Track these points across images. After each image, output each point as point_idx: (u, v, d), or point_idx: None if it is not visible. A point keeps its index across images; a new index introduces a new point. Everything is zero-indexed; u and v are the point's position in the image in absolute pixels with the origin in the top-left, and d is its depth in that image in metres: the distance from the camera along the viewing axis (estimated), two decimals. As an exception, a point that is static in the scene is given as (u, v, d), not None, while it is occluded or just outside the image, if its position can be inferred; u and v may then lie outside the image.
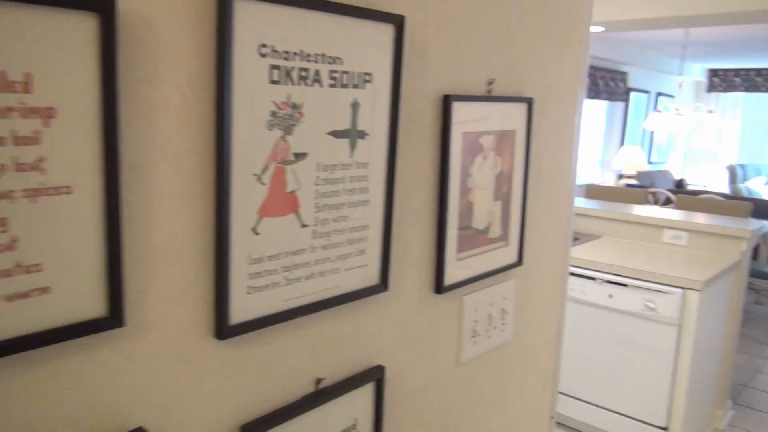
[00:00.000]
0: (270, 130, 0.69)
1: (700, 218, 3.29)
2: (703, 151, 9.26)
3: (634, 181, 7.51)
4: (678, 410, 2.71)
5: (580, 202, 3.74)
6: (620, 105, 7.79)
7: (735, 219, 3.35)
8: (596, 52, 6.59)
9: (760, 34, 5.86)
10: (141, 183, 0.60)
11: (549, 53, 1.16)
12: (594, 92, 6.83)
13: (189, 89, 0.62)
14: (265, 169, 0.69)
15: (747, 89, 9.33)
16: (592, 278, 2.88)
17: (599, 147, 7.80)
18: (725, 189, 9.52)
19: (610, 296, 2.82)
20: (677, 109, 5.18)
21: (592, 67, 6.74)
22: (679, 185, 8.69)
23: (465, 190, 0.99)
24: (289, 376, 0.78)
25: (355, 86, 0.77)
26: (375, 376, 0.88)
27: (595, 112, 7.55)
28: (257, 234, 0.69)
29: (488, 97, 1.02)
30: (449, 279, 0.99)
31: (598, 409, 2.93)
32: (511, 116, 1.07)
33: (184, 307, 0.65)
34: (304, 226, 0.75)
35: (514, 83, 1.08)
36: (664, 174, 8.64)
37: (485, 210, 1.05)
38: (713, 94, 9.79)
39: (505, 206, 1.09)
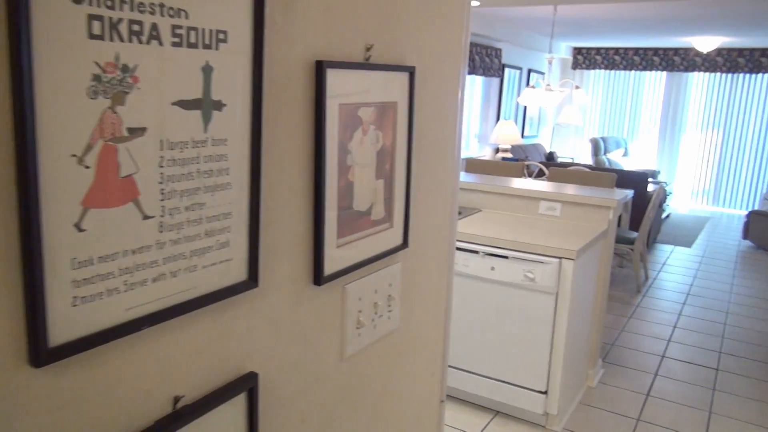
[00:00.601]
0: (93, 98, 0.54)
1: (571, 189, 3.44)
2: (569, 125, 9.84)
3: (509, 155, 7.82)
4: (556, 374, 2.83)
5: (461, 176, 3.78)
6: (495, 80, 8.04)
7: (602, 189, 3.54)
8: (473, 29, 6.73)
9: (619, 15, 6.26)
10: None
11: (430, 20, 1.08)
12: (471, 68, 6.98)
13: (-32, 42, 0.46)
14: (88, 148, 0.54)
15: (607, 67, 10.00)
16: (475, 252, 2.91)
17: (477, 121, 8.03)
18: (589, 161, 10.21)
19: (492, 268, 2.88)
20: (548, 85, 5.42)
21: (472, 43, 6.87)
22: (550, 158, 9.19)
23: (344, 169, 0.89)
24: (139, 399, 0.64)
25: (207, 46, 0.64)
26: (247, 385, 0.76)
27: (472, 88, 7.74)
28: (82, 230, 0.55)
29: (367, 65, 0.92)
30: (329, 268, 0.89)
31: (482, 378, 3.00)
32: (392, 87, 0.98)
33: (-19, 331, 0.50)
34: (146, 217, 0.61)
35: (394, 50, 0.98)
36: (537, 147, 9.10)
37: (367, 190, 0.95)
38: (577, 71, 10.40)
39: (389, 185, 1.01)
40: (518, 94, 8.63)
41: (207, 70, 0.64)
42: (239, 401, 0.76)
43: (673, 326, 4.36)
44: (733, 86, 9.28)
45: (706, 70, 9.25)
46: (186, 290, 0.67)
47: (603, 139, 9.62)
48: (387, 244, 1.03)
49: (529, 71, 9.08)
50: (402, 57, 1.00)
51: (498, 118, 8.28)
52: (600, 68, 10.07)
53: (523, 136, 9.15)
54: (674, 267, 5.95)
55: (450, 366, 3.06)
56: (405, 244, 1.07)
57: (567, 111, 9.76)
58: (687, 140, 9.79)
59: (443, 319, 1.30)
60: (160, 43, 0.59)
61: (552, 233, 2.99)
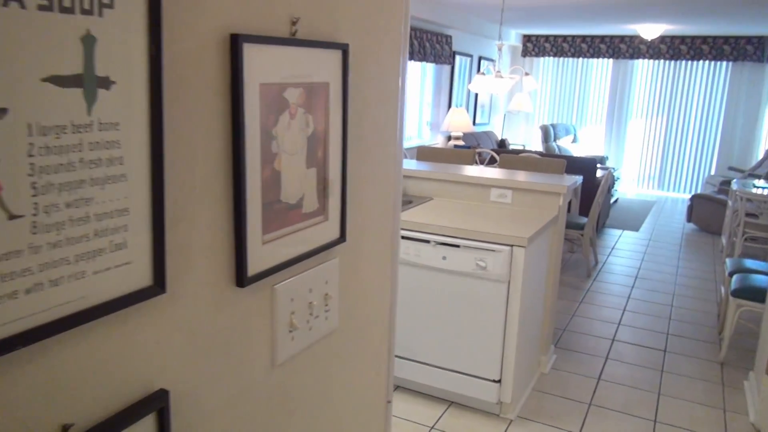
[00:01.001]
0: (-72, 71, 0.44)
1: (522, 176, 3.43)
2: (520, 112, 9.93)
3: (461, 142, 7.82)
4: (509, 362, 2.81)
5: (412, 165, 3.72)
6: (447, 68, 8.01)
7: (552, 176, 3.53)
8: (423, 15, 6.66)
9: (566, 1, 6.30)
10: None
11: (365, -7, 0.99)
12: (421, 55, 6.92)
13: None
14: (-76, 133, 0.44)
15: (555, 54, 10.11)
16: (426, 241, 2.86)
17: (429, 109, 7.99)
18: (540, 147, 10.33)
19: (444, 258, 2.83)
20: (498, 72, 5.40)
21: (419, 30, 6.80)
22: (502, 145, 9.25)
23: (269, 157, 0.80)
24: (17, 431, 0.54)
25: (87, 12, 0.54)
26: (155, 404, 0.67)
27: (424, 75, 7.69)
28: None
29: (293, 41, 0.82)
30: (254, 267, 0.80)
31: (435, 369, 2.96)
32: (324, 65, 0.89)
33: None
34: (13, 216, 0.51)
35: (325, 24, 0.89)
36: (488, 135, 9.14)
37: (297, 180, 0.87)
38: (527, 59, 10.48)
39: (322, 174, 0.92)
40: (469, 82, 8.63)
41: (88, 41, 0.54)
42: (147, 424, 0.66)
43: (623, 309, 4.43)
44: (675, 73, 9.52)
45: (651, 57, 9.46)
46: (72, 301, 0.57)
47: (553, 126, 9.74)
48: (321, 238, 0.94)
49: (480, 58, 9.10)
50: (334, 33, 0.92)
51: (450, 106, 8.27)
52: (549, 56, 10.18)
53: (474, 123, 9.18)
54: (623, 251, 6.07)
55: (402, 357, 3.01)
56: (342, 237, 0.99)
57: (517, 98, 9.84)
58: (633, 126, 10.01)
59: (388, 315, 1.23)
60: (22, 6, 0.49)
61: (503, 221, 2.96)
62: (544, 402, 3.08)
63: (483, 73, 5.53)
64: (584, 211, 6.24)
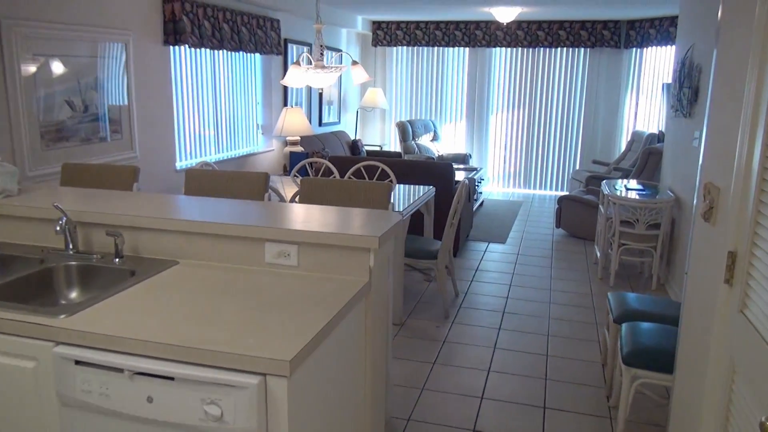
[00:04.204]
0: None
1: (318, 219, 2.20)
2: (375, 109, 8.83)
3: (299, 148, 6.55)
4: None
5: (158, 208, 2.38)
6: (277, 59, 6.67)
7: (366, 214, 2.34)
8: (233, -8, 5.28)
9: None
10: None
11: None
12: (237, 42, 5.52)
13: None
14: None
15: (409, 43, 9.12)
16: (119, 370, 1.53)
17: (259, 109, 6.61)
18: (398, 147, 9.33)
19: (150, 399, 1.52)
20: (318, 61, 4.20)
21: (233, 11, 5.40)
22: (354, 147, 8.09)
23: None
24: None
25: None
26: None
27: (245, 66, 6.29)
28: None
29: None
30: None
31: None
32: None
33: None
34: None
35: None
36: (338, 135, 7.94)
37: None
38: (379, 48, 9.41)
39: None
40: (310, 75, 7.35)
41: None
42: None
43: (488, 370, 3.36)
44: (535, 62, 8.86)
45: (508, 45, 8.72)
46: None
47: (410, 122, 8.74)
48: None
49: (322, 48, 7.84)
50: None
51: (286, 104, 6.95)
52: (402, 45, 9.16)
53: (321, 123, 7.94)
54: (488, 273, 5.09)
55: None
56: None
57: (370, 93, 8.72)
58: (495, 121, 9.26)
59: None
60: None
61: (271, 311, 1.70)
62: None
63: (298, 64, 4.26)
64: (440, 230, 5.19)
